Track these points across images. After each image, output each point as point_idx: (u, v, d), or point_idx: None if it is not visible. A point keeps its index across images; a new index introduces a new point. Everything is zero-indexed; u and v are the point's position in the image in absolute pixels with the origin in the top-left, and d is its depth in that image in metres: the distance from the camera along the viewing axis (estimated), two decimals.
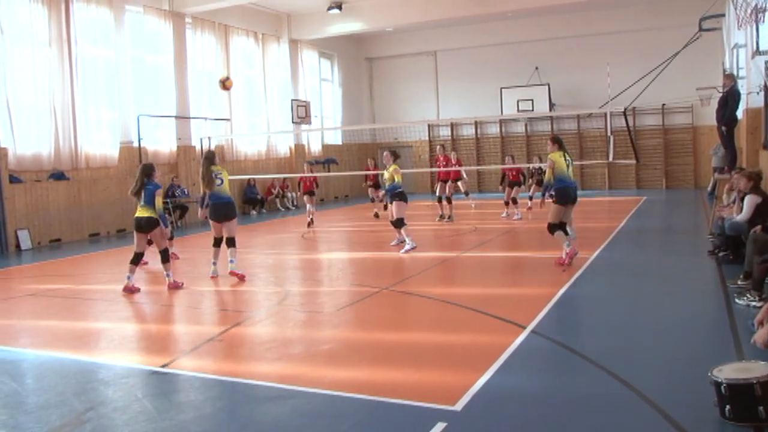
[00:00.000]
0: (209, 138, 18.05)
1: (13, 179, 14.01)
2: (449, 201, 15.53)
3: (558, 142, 9.40)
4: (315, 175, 16.65)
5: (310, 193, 15.98)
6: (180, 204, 17.71)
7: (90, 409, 4.58)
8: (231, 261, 9.24)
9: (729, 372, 3.93)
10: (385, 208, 15.39)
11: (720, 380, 3.87)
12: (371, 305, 7.51)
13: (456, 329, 6.34)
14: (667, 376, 4.76)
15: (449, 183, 15.78)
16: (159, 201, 8.74)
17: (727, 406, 3.82)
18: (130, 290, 8.61)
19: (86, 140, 15.69)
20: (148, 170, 8.85)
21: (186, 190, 17.97)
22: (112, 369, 5.47)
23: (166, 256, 8.85)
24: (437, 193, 15.82)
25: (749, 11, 10.63)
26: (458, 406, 4.26)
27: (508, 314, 6.57)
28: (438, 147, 17.65)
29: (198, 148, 18.52)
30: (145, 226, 8.76)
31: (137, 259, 8.93)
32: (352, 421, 4.17)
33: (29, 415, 4.52)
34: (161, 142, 18.00)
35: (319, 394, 4.63)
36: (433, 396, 4.45)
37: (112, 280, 9.81)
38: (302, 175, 16.68)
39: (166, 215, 8.64)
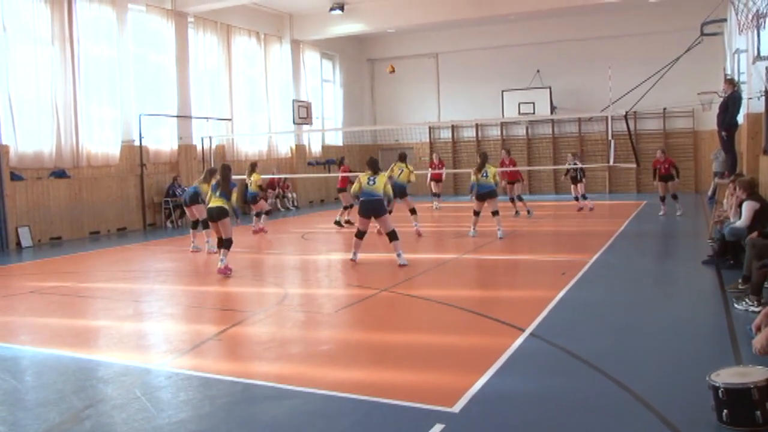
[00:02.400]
0: (210, 137, 18.08)
1: (15, 177, 14.02)
2: (520, 199, 17.01)
3: (370, 164, 10.48)
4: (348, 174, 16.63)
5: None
6: (180, 203, 17.71)
7: (89, 406, 4.59)
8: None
9: (726, 376, 3.94)
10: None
11: (717, 385, 3.88)
12: (370, 306, 7.52)
13: (454, 331, 6.35)
14: (665, 379, 4.77)
15: (516, 184, 17.27)
16: (235, 196, 10.09)
17: (725, 411, 3.83)
18: (223, 272, 9.57)
19: (88, 138, 15.71)
20: (229, 171, 10.11)
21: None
22: (112, 367, 5.48)
23: (228, 244, 9.81)
24: (508, 195, 17.31)
25: (750, 16, 10.65)
26: (456, 408, 4.27)
27: (506, 317, 6.58)
28: (503, 151, 19.04)
29: (199, 147, 18.54)
30: (216, 216, 9.85)
31: (223, 243, 9.92)
32: (349, 421, 4.18)
33: (28, 412, 4.53)
34: (162, 141, 18.01)
35: (318, 394, 4.64)
36: (431, 397, 4.46)
37: (112, 278, 9.83)
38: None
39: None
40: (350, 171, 16.72)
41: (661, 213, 15.51)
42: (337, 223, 15.57)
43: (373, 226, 11.46)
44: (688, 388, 4.51)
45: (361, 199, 10.17)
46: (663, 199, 15.67)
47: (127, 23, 16.88)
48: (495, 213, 12.82)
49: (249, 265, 10.68)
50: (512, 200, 17.19)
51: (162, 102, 17.90)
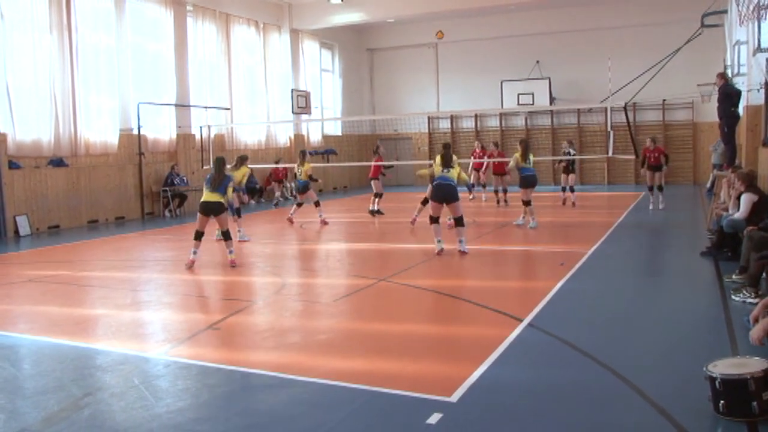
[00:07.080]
0: (209, 127, 18.03)
1: (13, 165, 13.99)
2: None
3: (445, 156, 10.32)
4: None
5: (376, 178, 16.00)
6: (179, 192, 17.71)
7: (88, 394, 4.60)
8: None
9: (724, 367, 3.95)
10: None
11: (715, 375, 3.89)
12: (368, 296, 7.53)
13: (453, 321, 6.37)
14: (662, 370, 4.78)
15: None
16: (230, 191, 9.79)
17: (721, 401, 3.84)
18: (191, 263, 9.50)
19: (86, 127, 15.66)
20: (223, 162, 9.87)
21: (185, 179, 17.96)
22: (110, 355, 5.49)
23: (227, 235, 9.63)
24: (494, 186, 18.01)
25: (751, 8, 10.61)
26: (454, 397, 4.29)
27: (505, 307, 6.60)
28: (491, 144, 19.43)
29: (198, 136, 18.49)
30: (216, 210, 9.54)
31: (199, 236, 9.62)
32: (348, 410, 4.19)
33: (27, 400, 4.54)
34: (161, 130, 17.98)
35: (316, 383, 4.66)
36: (429, 387, 4.48)
37: (110, 267, 9.83)
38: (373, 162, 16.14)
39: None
40: (383, 160, 16.37)
41: (651, 207, 15.16)
42: (371, 212, 15.76)
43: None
44: (685, 379, 4.52)
45: (435, 182, 10.10)
46: (651, 189, 15.28)
47: (125, 12, 16.81)
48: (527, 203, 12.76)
49: (247, 254, 10.68)
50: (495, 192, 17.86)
51: (160, 91, 17.85)
